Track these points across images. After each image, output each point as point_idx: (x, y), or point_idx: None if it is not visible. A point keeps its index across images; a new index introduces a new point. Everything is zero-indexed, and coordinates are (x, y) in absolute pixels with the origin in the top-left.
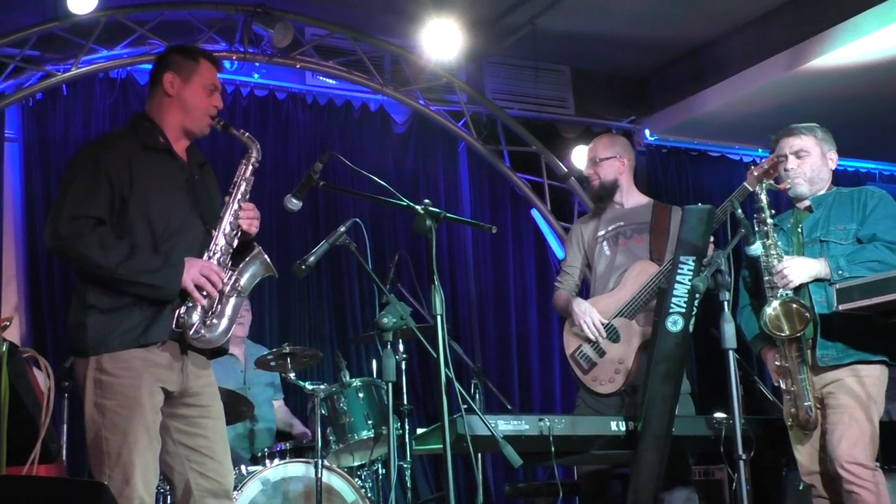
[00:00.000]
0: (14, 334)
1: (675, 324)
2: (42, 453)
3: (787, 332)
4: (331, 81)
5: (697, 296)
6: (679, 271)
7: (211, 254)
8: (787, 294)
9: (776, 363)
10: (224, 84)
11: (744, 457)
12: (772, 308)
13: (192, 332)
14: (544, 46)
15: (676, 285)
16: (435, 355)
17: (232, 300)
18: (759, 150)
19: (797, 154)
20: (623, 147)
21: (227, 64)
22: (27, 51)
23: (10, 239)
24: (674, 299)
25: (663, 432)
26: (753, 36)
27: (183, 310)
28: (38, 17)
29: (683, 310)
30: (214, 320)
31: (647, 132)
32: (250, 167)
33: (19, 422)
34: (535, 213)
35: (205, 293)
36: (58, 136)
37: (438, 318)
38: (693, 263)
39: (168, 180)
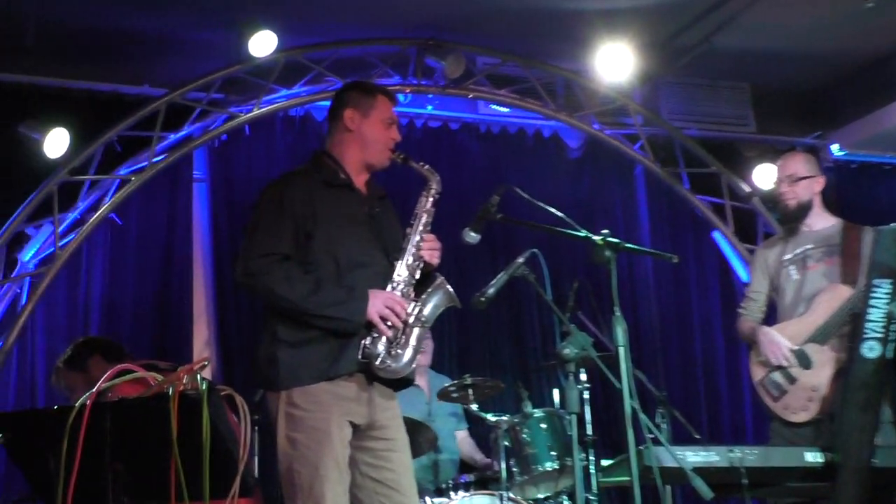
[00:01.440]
0: (206, 370)
1: (871, 350)
2: (241, 487)
3: None
4: (503, 109)
5: (895, 321)
6: (873, 295)
7: (394, 285)
8: None
9: None
10: (398, 116)
11: None
12: None
13: (377, 363)
14: (721, 64)
15: (871, 309)
16: (618, 386)
17: (416, 331)
18: None
19: None
20: (818, 166)
21: (400, 97)
22: (212, 94)
23: (200, 276)
24: (869, 324)
25: (863, 464)
26: None
27: (368, 341)
28: (222, 63)
29: (881, 335)
30: (399, 350)
31: (834, 147)
32: (430, 199)
33: (220, 458)
34: (717, 235)
35: (389, 324)
36: (241, 175)
37: (621, 349)
38: (889, 286)
39: (350, 214)
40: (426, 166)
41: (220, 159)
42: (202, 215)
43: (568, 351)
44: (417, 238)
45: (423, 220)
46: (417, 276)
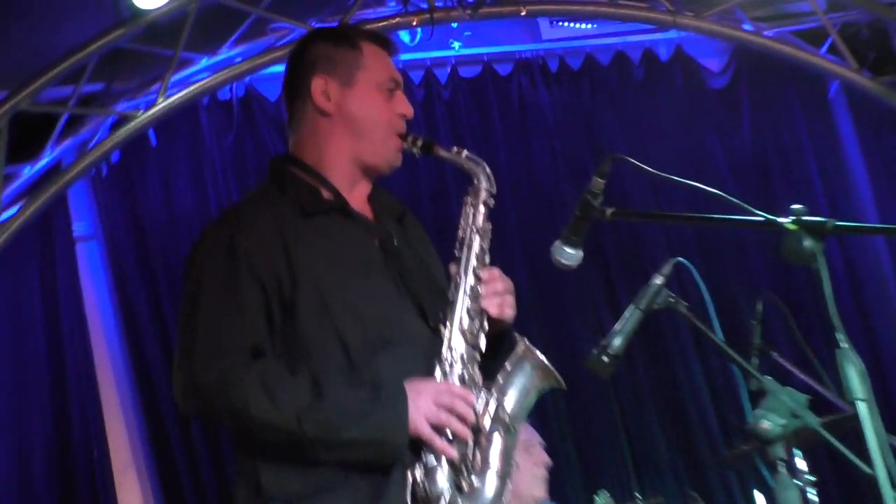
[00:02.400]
0: None
1: None
2: None
3: None
4: (584, 27)
5: None
6: None
7: (447, 368)
8: None
9: None
10: (406, 72)
11: None
12: None
13: None
14: None
15: None
16: (869, 471)
17: (497, 440)
18: None
19: None
20: None
21: (404, 37)
22: (84, 86)
23: (114, 401)
24: None
25: None
26: None
27: (420, 473)
28: (91, 29)
29: None
30: (475, 480)
31: None
32: (482, 208)
33: None
34: None
35: (450, 437)
36: (155, 214)
37: (861, 405)
38: None
39: (352, 258)
40: (464, 152)
41: (113, 195)
42: (98, 291)
43: (768, 424)
44: (471, 279)
45: (476, 247)
46: (483, 344)
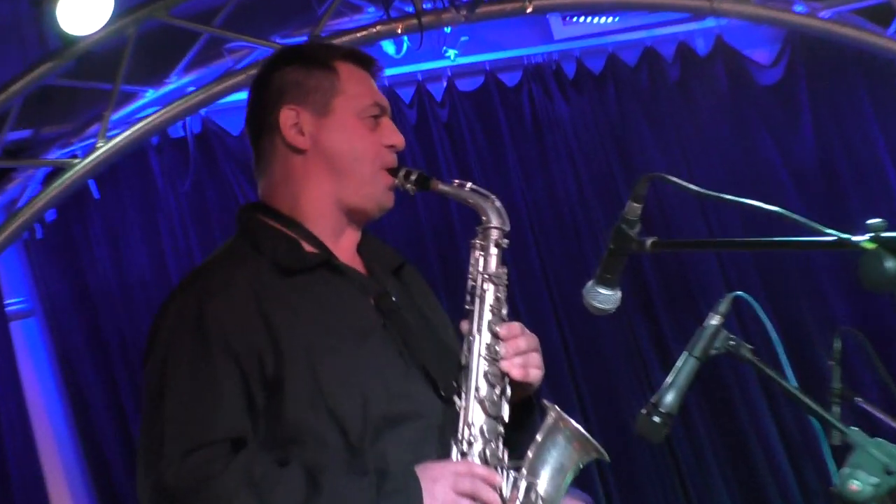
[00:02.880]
0: None
1: None
2: None
3: None
4: (604, 21)
5: None
6: None
7: (464, 446)
8: None
9: None
10: (393, 90)
11: None
12: None
13: None
14: None
15: None
16: None
17: None
18: None
19: None
20: None
21: (389, 49)
22: (7, 134)
23: (62, 486)
24: None
25: None
26: None
27: None
28: (13, 67)
29: None
30: None
31: None
32: (494, 250)
33: None
34: None
35: None
36: (103, 281)
37: None
38: None
39: (346, 321)
40: (468, 185)
41: (52, 261)
42: (42, 380)
43: (857, 485)
44: (487, 338)
45: (490, 297)
46: (506, 414)
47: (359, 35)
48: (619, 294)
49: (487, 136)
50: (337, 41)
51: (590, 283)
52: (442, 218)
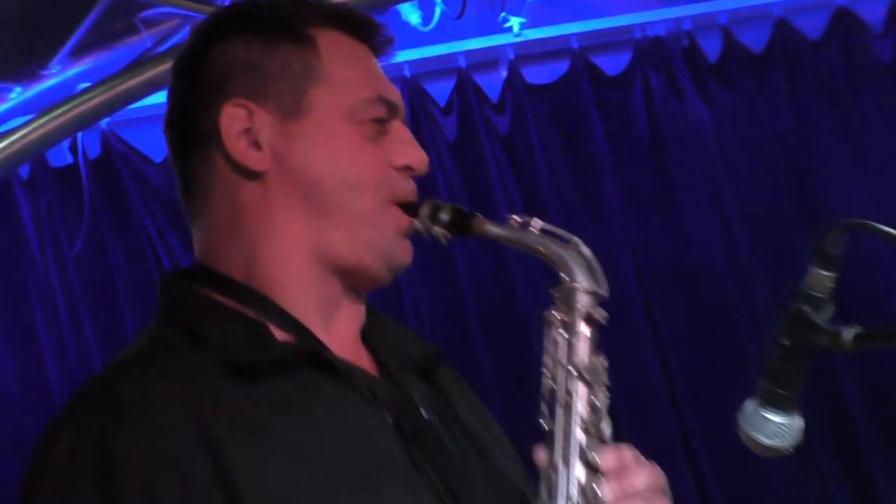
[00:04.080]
0: None
1: None
2: None
3: None
4: None
5: None
6: None
7: None
8: None
9: None
10: (418, 84)
11: None
12: None
13: None
14: None
15: None
16: None
17: None
18: None
19: None
20: None
21: (412, 17)
22: None
23: None
24: None
25: None
26: None
27: None
28: None
29: None
30: None
31: None
32: (583, 328)
33: None
34: None
35: None
36: None
37: None
38: None
39: (348, 452)
40: (535, 224)
41: None
42: None
43: None
44: (579, 472)
45: (582, 406)
46: None
47: None
48: (800, 423)
49: (572, 155)
50: None
51: (750, 405)
52: (494, 278)
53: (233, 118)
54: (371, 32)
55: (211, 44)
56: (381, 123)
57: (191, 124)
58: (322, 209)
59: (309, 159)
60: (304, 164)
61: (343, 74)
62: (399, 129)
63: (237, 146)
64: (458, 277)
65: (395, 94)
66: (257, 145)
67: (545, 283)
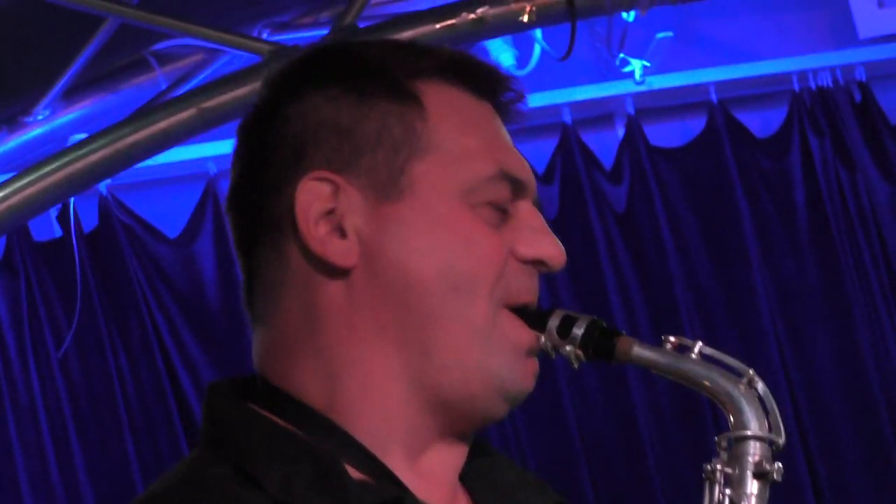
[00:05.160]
0: None
1: None
2: None
3: None
4: None
5: None
6: None
7: None
8: None
9: None
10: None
11: None
12: None
13: None
14: None
15: None
16: None
17: None
18: None
19: None
20: None
21: (504, 58)
22: None
23: None
24: None
25: None
26: None
27: None
28: None
29: None
30: None
31: None
32: (750, 482)
33: None
34: None
35: None
36: None
37: None
38: None
39: None
40: (698, 347)
41: None
42: None
43: None
44: None
45: None
46: None
47: (437, 28)
48: None
49: (709, 238)
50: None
51: None
52: (636, 413)
53: (313, 196)
54: (496, 86)
55: (288, 99)
56: (503, 207)
57: (259, 204)
58: (422, 321)
59: (408, 253)
60: (401, 259)
61: (456, 143)
62: (528, 214)
63: (316, 233)
64: (563, 400)
65: (523, 168)
66: (342, 232)
67: (671, 411)
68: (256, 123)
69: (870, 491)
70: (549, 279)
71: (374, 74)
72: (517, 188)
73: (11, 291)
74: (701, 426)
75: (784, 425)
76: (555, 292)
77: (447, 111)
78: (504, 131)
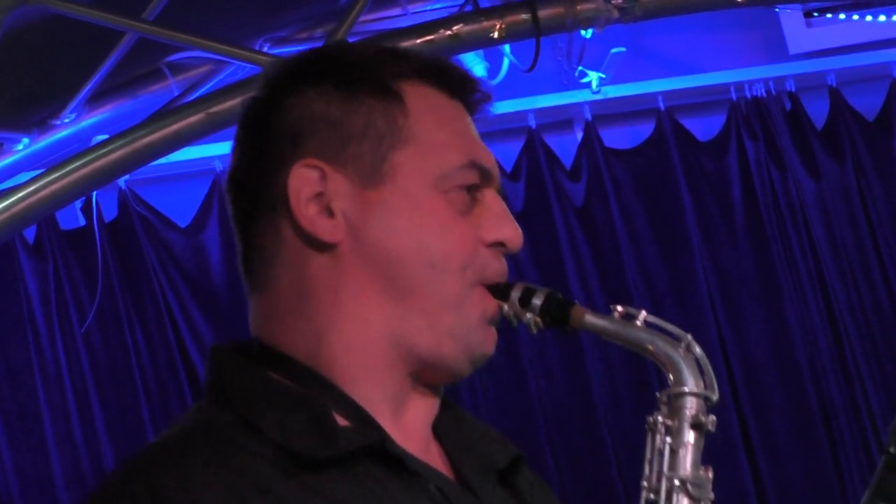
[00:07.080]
0: None
1: None
2: None
3: None
4: (880, 20)
5: None
6: None
7: None
8: None
9: None
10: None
11: None
12: None
13: None
14: None
15: None
16: None
17: None
18: None
19: None
20: None
21: (477, 69)
22: None
23: None
24: None
25: None
26: None
27: None
28: None
29: None
30: None
31: None
32: (688, 433)
33: None
34: None
35: None
36: None
37: None
38: None
39: None
40: (641, 316)
41: None
42: None
43: None
44: None
45: None
46: None
47: (417, 42)
48: None
49: (656, 230)
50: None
51: None
52: (586, 377)
53: (304, 180)
54: (466, 88)
55: (283, 94)
56: (471, 193)
57: (256, 185)
58: (400, 291)
59: (388, 232)
60: (382, 237)
61: (432, 136)
62: (492, 201)
63: (307, 213)
64: (526, 372)
65: (489, 159)
66: (330, 213)
67: (623, 379)
68: (256, 114)
69: (795, 446)
70: (516, 265)
71: (362, 74)
72: (484, 176)
73: (40, 273)
74: (650, 395)
75: (721, 392)
76: (521, 277)
77: (425, 108)
78: (473, 126)
